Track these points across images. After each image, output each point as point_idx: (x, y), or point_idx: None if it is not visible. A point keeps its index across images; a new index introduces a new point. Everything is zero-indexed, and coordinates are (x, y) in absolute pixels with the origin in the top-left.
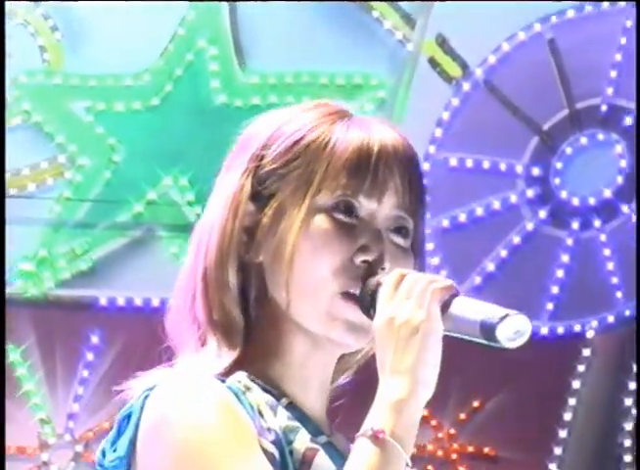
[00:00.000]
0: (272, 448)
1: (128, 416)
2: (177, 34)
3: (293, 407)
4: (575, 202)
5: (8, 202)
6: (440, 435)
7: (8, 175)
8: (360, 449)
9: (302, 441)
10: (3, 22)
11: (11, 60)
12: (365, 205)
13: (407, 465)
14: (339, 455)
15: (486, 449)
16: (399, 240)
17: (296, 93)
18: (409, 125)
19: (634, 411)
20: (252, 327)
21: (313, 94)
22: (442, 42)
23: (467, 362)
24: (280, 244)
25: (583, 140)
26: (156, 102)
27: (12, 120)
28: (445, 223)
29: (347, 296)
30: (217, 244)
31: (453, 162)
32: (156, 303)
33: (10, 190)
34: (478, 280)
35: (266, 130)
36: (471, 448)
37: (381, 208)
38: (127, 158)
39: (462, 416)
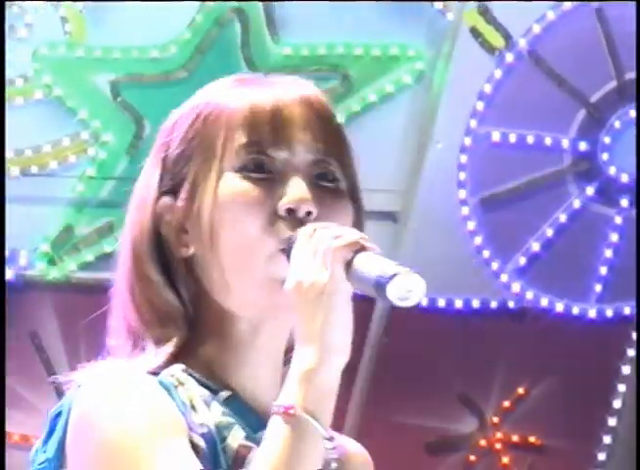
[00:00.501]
0: (202, 443)
1: (58, 415)
2: (205, 4)
3: (234, 400)
4: (625, 178)
5: (29, 180)
6: (483, 423)
7: (29, 152)
8: (273, 428)
9: (236, 437)
10: (3, 22)
11: (31, 31)
12: (276, 156)
13: (325, 438)
14: None
15: (532, 439)
16: (327, 184)
17: (329, 65)
18: (449, 99)
19: None
20: (193, 319)
21: (348, 66)
22: (484, 11)
23: (511, 347)
24: (199, 222)
25: (632, 113)
26: (183, 75)
27: (32, 95)
28: (487, 201)
29: (283, 252)
30: (131, 248)
31: (496, 136)
32: None
33: (31, 168)
34: (522, 261)
35: (172, 118)
36: (515, 438)
37: (294, 155)
38: (153, 133)
39: (506, 404)
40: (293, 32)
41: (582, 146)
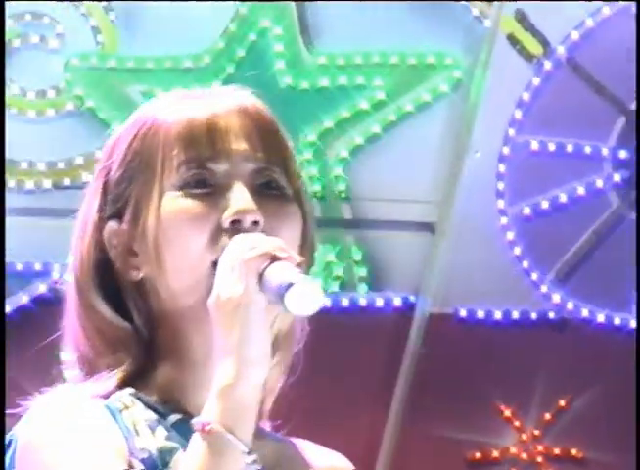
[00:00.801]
0: (141, 468)
1: (8, 445)
2: (239, 13)
3: (183, 424)
4: None
5: (62, 193)
6: (524, 436)
7: (61, 165)
8: (192, 445)
9: (178, 462)
10: (3, 22)
11: (63, 42)
12: (216, 169)
13: (245, 453)
14: None
15: (574, 451)
16: (270, 192)
17: (365, 74)
18: (487, 107)
19: None
20: (148, 342)
21: (384, 75)
22: (522, 18)
23: (551, 358)
24: (145, 244)
25: None
26: (217, 85)
27: (64, 106)
28: (527, 211)
29: (215, 267)
30: (74, 278)
31: (534, 145)
32: None
33: (63, 180)
34: (562, 271)
35: (110, 141)
36: (557, 451)
37: (234, 166)
38: None
39: (547, 416)
40: (327, 41)
41: (622, 154)
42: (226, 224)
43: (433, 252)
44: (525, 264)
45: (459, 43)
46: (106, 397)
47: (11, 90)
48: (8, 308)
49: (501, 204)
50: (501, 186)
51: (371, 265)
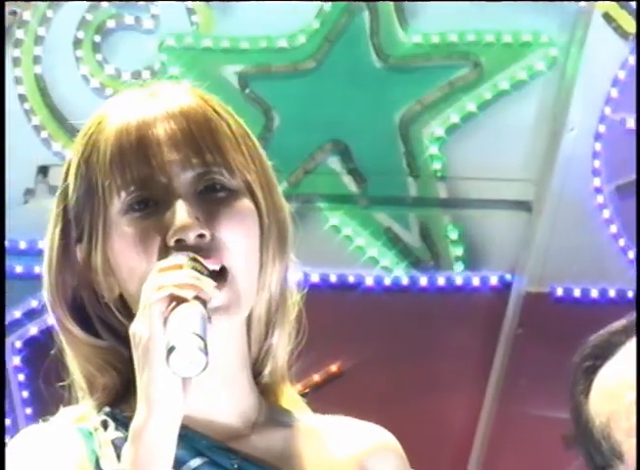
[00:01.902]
0: None
1: None
2: None
3: None
4: None
5: None
6: None
7: None
8: None
9: None
10: (3, 22)
11: (158, 23)
12: (155, 186)
13: None
14: None
15: None
16: (215, 195)
17: (461, 53)
18: (583, 85)
19: None
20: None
21: (479, 53)
22: None
23: None
24: (99, 274)
25: None
26: (311, 65)
27: None
28: (623, 189)
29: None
30: (50, 307)
31: (630, 123)
32: (315, 278)
33: None
34: None
35: (67, 159)
36: None
37: (172, 179)
38: (282, 125)
39: None
40: (422, 20)
41: None
42: (171, 243)
43: (529, 230)
44: (622, 243)
45: (554, 21)
46: (85, 419)
47: (106, 71)
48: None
49: (597, 182)
50: (597, 164)
51: (467, 244)
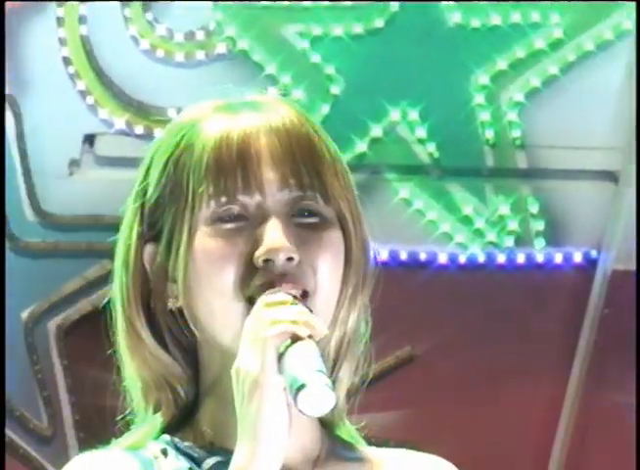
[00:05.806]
0: None
1: None
2: None
3: (220, 466)
4: None
5: None
6: None
7: None
8: None
9: None
10: (3, 22)
11: None
12: (248, 202)
13: None
14: None
15: None
16: (307, 220)
17: (541, 10)
18: None
19: None
20: (193, 378)
21: (561, 11)
22: None
23: None
24: (179, 279)
25: None
26: (380, 24)
27: (215, 49)
28: None
29: (250, 302)
30: (120, 309)
31: None
32: (384, 255)
33: None
34: None
35: (147, 157)
36: None
37: (266, 198)
38: (348, 89)
39: None
40: None
41: None
42: (259, 263)
43: (616, 203)
44: None
45: None
46: (142, 445)
47: (157, 31)
48: None
49: None
50: None
51: (549, 218)
